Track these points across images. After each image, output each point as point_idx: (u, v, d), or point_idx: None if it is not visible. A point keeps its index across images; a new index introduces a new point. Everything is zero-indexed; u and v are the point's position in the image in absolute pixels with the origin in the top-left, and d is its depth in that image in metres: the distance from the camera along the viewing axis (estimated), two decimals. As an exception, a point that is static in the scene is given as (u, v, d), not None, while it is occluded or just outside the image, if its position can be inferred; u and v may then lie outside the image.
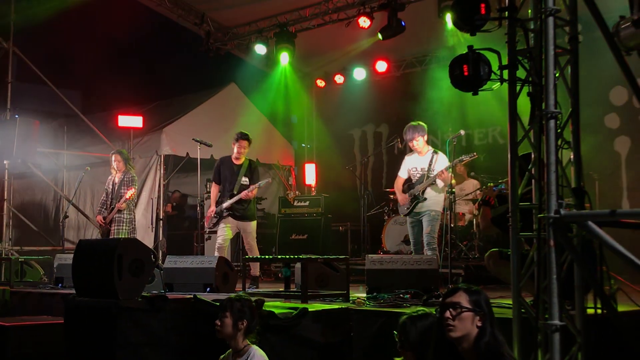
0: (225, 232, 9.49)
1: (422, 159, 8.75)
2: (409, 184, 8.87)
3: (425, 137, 8.74)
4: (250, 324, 4.96)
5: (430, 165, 8.57)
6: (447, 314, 3.57)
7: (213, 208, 9.60)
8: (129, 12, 14.17)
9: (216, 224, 9.55)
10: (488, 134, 12.60)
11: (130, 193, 10.04)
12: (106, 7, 14.79)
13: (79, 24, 15.59)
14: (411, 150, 8.97)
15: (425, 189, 8.47)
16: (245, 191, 9.35)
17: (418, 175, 8.70)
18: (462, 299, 3.57)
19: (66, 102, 13.06)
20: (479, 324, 3.53)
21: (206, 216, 9.80)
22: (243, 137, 9.55)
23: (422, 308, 4.59)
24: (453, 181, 8.86)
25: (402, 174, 9.02)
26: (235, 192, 9.43)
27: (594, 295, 4.38)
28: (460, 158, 8.68)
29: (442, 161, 8.64)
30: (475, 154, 8.84)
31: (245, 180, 9.49)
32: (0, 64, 12.74)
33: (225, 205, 9.44)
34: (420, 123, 8.79)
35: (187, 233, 13.76)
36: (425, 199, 8.46)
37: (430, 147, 8.81)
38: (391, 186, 11.94)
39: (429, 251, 8.45)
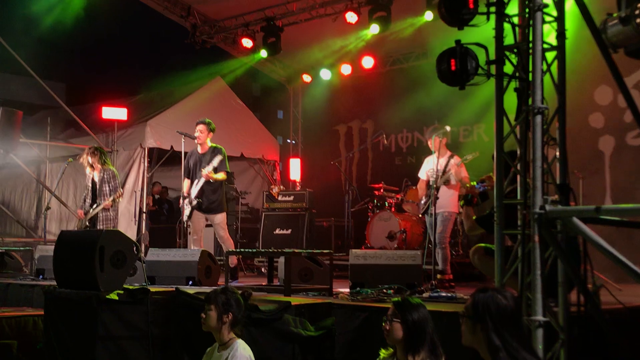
0: (196, 223, 9.39)
1: (439, 161, 8.80)
2: (428, 185, 9.03)
3: (442, 139, 8.81)
4: (236, 317, 4.90)
5: (445, 167, 8.71)
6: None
7: (181, 202, 9.49)
8: (115, 3, 14.06)
9: (189, 216, 9.39)
10: (473, 131, 12.61)
11: (119, 192, 9.71)
12: (92, -1, 14.65)
13: (64, 15, 15.46)
14: (432, 153, 9.08)
15: (439, 188, 8.54)
16: (205, 173, 9.05)
17: (434, 177, 8.78)
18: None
19: (50, 93, 12.92)
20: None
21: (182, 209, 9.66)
22: (199, 122, 9.42)
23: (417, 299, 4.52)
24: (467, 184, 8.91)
25: (422, 175, 9.25)
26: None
27: (577, 292, 4.38)
28: (465, 157, 8.84)
29: (455, 162, 8.81)
30: (477, 152, 8.95)
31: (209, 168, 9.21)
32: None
33: (192, 195, 9.26)
34: (439, 126, 9.00)
35: (170, 226, 13.67)
36: (437, 198, 8.50)
37: (448, 151, 8.93)
38: (376, 182, 11.97)
39: (438, 249, 8.70)
